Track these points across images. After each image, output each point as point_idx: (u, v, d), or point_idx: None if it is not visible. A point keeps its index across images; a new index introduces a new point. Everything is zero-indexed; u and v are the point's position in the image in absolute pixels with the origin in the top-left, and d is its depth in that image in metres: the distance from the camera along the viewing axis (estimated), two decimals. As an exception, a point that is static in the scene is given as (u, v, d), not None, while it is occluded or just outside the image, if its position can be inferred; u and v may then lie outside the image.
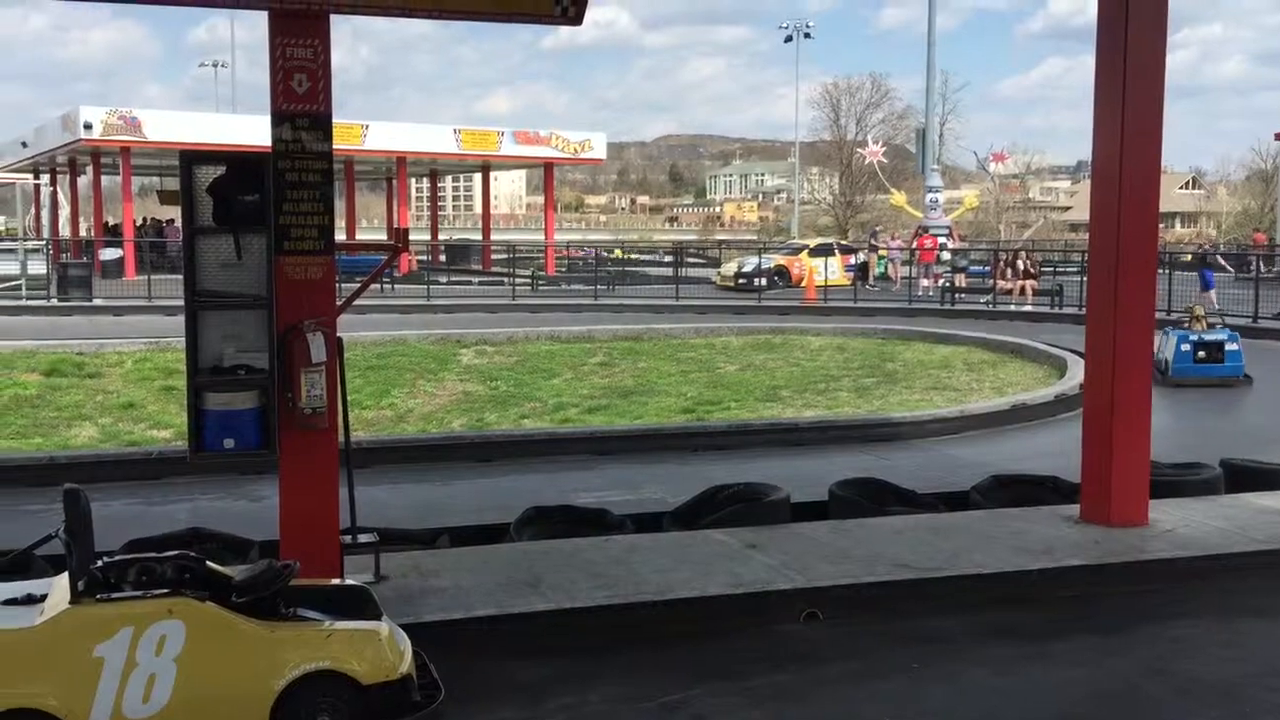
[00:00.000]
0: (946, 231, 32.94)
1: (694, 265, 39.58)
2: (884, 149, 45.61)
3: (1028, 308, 23.51)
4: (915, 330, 19.56)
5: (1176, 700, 4.71)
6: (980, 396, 13.46)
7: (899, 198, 38.22)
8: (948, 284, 26.95)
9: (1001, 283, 24.73)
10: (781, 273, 31.83)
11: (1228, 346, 13.89)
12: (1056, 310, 22.89)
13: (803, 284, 29.58)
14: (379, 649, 3.85)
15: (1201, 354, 13.83)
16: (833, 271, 29.65)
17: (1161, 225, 10.64)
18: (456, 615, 5.07)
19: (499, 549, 6.30)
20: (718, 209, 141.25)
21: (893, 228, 38.70)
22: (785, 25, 60.48)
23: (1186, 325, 14.47)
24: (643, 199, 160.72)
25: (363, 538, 5.55)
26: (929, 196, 33.86)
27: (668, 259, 40.02)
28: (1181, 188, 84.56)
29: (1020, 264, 24.95)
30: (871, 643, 5.29)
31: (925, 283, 28.54)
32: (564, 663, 4.96)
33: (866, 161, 45.77)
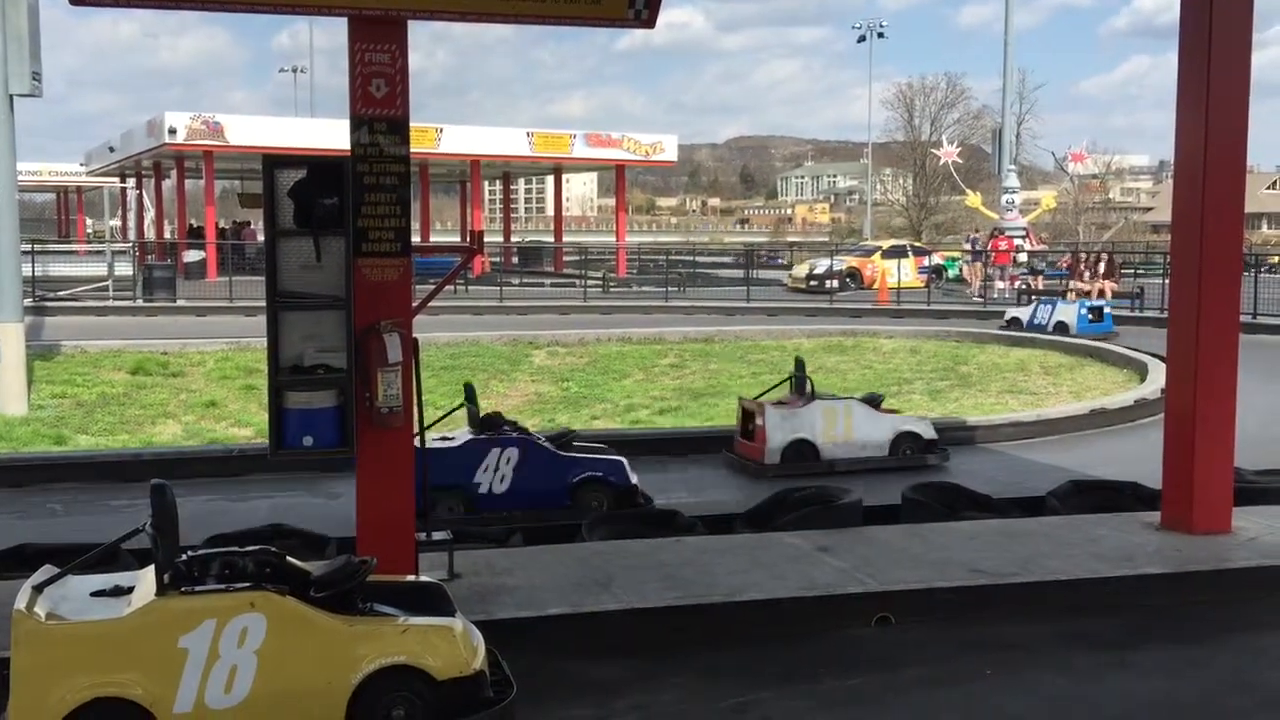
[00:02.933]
0: (1023, 233, 32.39)
1: (765, 267, 39.45)
2: (959, 149, 44.92)
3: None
4: (990, 333, 19.28)
5: (1261, 713, 4.60)
6: (1057, 400, 13.23)
7: (974, 199, 37.63)
8: (1024, 286, 26.52)
9: (1079, 284, 24.26)
10: (853, 275, 31.60)
11: (1105, 311, 20.07)
12: (1137, 313, 22.41)
13: (875, 286, 29.33)
14: (453, 645, 3.91)
15: (1091, 316, 19.57)
16: (906, 273, 29.35)
17: (1247, 226, 10.38)
18: (529, 613, 5.12)
19: (571, 548, 6.34)
20: (789, 211, 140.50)
21: (966, 229, 38.11)
22: (859, 25, 60.10)
23: (1075, 297, 21.68)
24: (713, 201, 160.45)
25: (437, 535, 5.63)
26: (1005, 197, 33.31)
27: (739, 261, 39.93)
28: (1268, 188, 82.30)
29: (1100, 265, 24.47)
30: (945, 648, 5.24)
31: (1000, 285, 28.12)
32: (635, 662, 4.98)
33: (941, 162, 45.16)
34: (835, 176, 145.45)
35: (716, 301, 27.01)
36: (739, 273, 34.94)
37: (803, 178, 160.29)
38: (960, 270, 31.42)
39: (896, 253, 31.76)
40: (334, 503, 8.11)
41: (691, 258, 40.57)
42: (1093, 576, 5.84)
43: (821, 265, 31.61)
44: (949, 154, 41.84)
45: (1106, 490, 7.66)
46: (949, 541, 6.39)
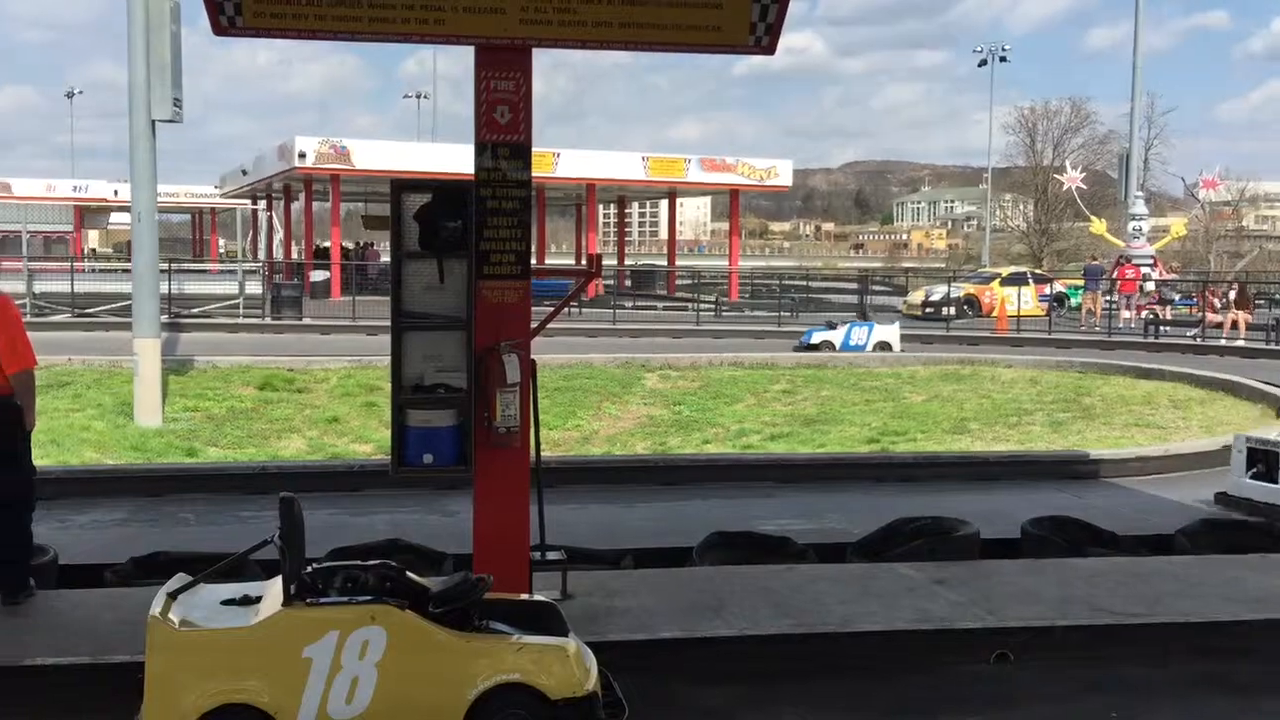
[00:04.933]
0: (1150, 261, 31.38)
1: (879, 293, 38.96)
2: (1084, 175, 43.79)
3: (1240, 342, 22.17)
4: (1115, 364, 18.69)
5: None
6: (1187, 435, 12.75)
7: (1099, 225, 36.61)
8: (1151, 316, 25.67)
9: (1211, 315, 23.39)
10: (971, 302, 31.01)
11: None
12: (1274, 345, 21.49)
13: (993, 314, 28.73)
14: (567, 664, 3.94)
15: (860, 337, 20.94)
16: (1026, 301, 28.70)
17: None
18: (641, 636, 5.13)
19: (682, 572, 6.34)
20: (904, 236, 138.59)
21: (1089, 256, 37.04)
22: (980, 49, 59.11)
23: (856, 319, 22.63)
24: (827, 226, 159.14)
25: (551, 555, 5.68)
26: (1132, 225, 32.35)
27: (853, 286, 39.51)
28: None
29: (1232, 295, 23.56)
30: (1066, 688, 5.08)
31: (1126, 314, 27.26)
32: (745, 690, 4.95)
33: (1065, 188, 44.06)
34: (953, 202, 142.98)
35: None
36: (853, 298, 34.58)
37: (919, 203, 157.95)
38: (1082, 299, 30.59)
39: (1016, 280, 31.08)
40: (450, 520, 8.25)
41: (805, 282, 40.31)
42: (1227, 619, 5.61)
43: (938, 292, 31.10)
44: (1073, 179, 40.79)
45: (1241, 529, 7.35)
46: (1071, 578, 6.20)
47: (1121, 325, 26.26)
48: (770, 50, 5.69)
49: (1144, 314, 26.57)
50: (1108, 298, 28.10)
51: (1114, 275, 29.02)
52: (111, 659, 4.61)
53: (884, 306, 32.56)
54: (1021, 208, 64.36)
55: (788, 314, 29.71)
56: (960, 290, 31.32)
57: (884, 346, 20.77)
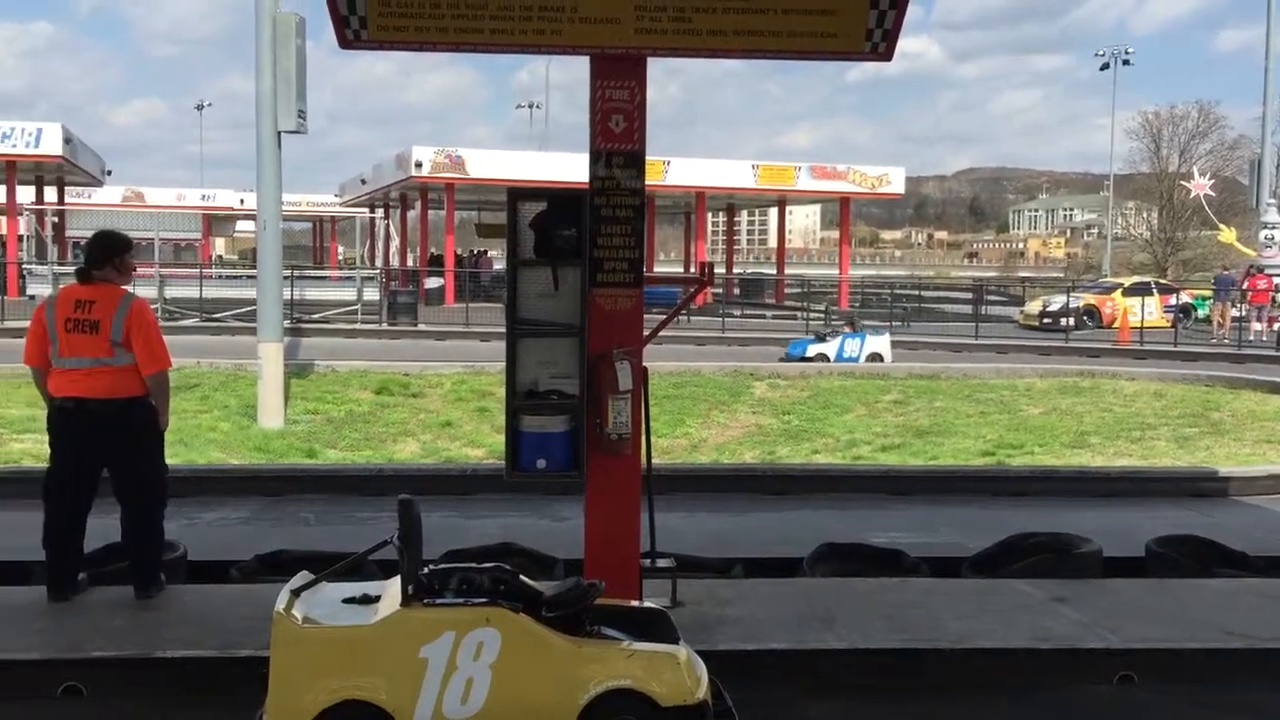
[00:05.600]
0: (1284, 270, 30.10)
1: (994, 303, 38.16)
2: (1212, 181, 42.25)
3: (1382, 356, 21.12)
4: (1245, 378, 17.96)
5: None
6: (1323, 453, 12.18)
7: (1229, 234, 35.26)
8: (1285, 328, 24.65)
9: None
10: (1091, 312, 30.16)
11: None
12: None
13: (1115, 325, 27.89)
14: (678, 672, 3.93)
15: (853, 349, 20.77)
16: (1150, 312, 27.80)
17: None
18: (751, 646, 5.10)
19: (793, 583, 6.29)
20: (1021, 245, 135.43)
21: (1217, 266, 35.68)
22: (1102, 53, 57.53)
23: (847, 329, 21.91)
24: (940, 234, 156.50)
25: (661, 562, 5.69)
26: (1264, 233, 31.08)
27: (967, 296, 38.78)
28: None
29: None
30: (1194, 713, 4.89)
31: (1258, 326, 26.19)
32: (856, 704, 4.88)
33: (1191, 195, 42.57)
34: (1072, 209, 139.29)
35: (942, 337, 26.30)
36: (967, 308, 33.93)
37: (1036, 210, 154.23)
38: (1210, 310, 29.49)
39: (1140, 290, 30.13)
40: (560, 525, 8.32)
41: (917, 292, 39.69)
42: (1367, 647, 5.33)
43: (1056, 302, 30.30)
44: (1200, 186, 39.40)
45: (1383, 553, 6.98)
46: (1200, 599, 5.97)
47: (1252, 338, 25.25)
48: (887, 57, 5.62)
49: (1276, 326, 25.49)
50: (1237, 309, 27.04)
51: (1245, 286, 27.91)
52: (238, 653, 4.76)
53: (999, 317, 31.86)
54: (1145, 215, 62.34)
55: (899, 323, 29.27)
56: (1080, 300, 30.46)
57: (876, 358, 20.60)
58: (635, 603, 4.74)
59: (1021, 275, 71.98)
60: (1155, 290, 31.01)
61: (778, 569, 6.71)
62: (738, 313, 31.90)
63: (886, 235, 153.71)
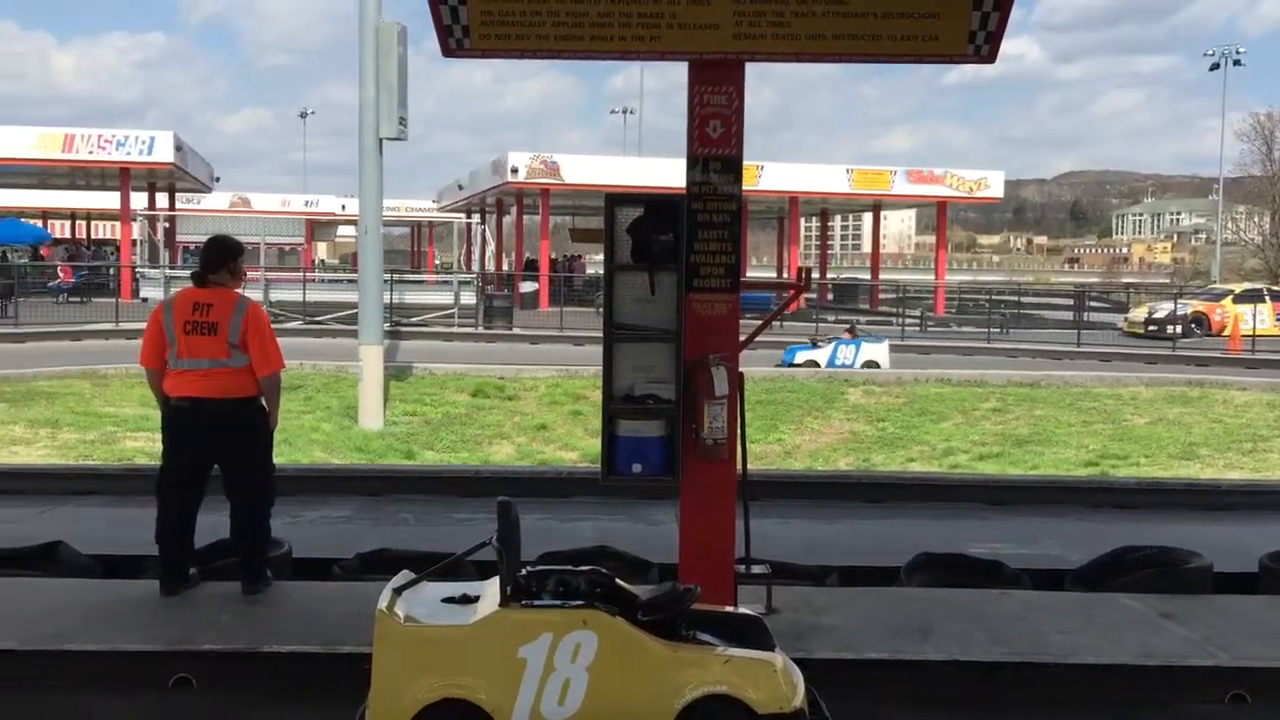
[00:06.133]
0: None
1: (1097, 310, 37.23)
2: (1328, 184, 40.59)
3: None
4: (1367, 388, 17.26)
5: None
6: None
7: (1346, 239, 33.84)
8: None
9: None
10: (1199, 320, 29.27)
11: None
12: None
13: (1225, 333, 27.02)
14: (774, 679, 3.91)
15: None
16: (1262, 320, 26.89)
17: None
18: (846, 655, 5.05)
19: (889, 592, 6.21)
20: (1124, 250, 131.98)
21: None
22: (1211, 52, 55.74)
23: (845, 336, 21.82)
24: (1040, 239, 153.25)
25: (756, 569, 5.67)
26: (1385, 237, 29.75)
27: (1067, 302, 37.91)
28: None
29: None
30: (1312, 737, 4.71)
31: (1379, 335, 25.13)
32: (954, 717, 4.81)
33: (1306, 198, 40.97)
34: (1179, 214, 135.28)
35: (1043, 344, 25.75)
36: (1068, 315, 33.16)
37: (1141, 214, 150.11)
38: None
39: (1251, 297, 29.14)
40: (654, 529, 8.34)
41: (1016, 298, 38.90)
42: None
43: (1163, 309, 29.46)
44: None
45: None
46: (1317, 618, 5.74)
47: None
48: (990, 59, 5.53)
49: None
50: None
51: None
52: (340, 649, 4.87)
53: (1102, 324, 31.07)
54: (1257, 220, 60.17)
55: (998, 330, 28.73)
56: (1187, 307, 29.58)
57: (871, 365, 20.24)
58: (730, 608, 4.72)
59: (1125, 281, 70.05)
60: (1268, 297, 29.93)
61: (873, 578, 6.63)
62: (831, 318, 31.61)
63: (984, 240, 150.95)
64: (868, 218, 54.96)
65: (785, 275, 40.57)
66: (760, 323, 6.19)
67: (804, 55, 5.62)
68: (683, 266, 5.37)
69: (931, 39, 5.44)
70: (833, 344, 21.26)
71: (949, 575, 6.58)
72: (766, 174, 34.92)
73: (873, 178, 37.17)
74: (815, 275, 43.98)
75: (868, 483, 10.54)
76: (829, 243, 57.11)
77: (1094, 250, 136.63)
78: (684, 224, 5.38)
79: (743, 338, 5.76)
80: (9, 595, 5.65)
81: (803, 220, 46.07)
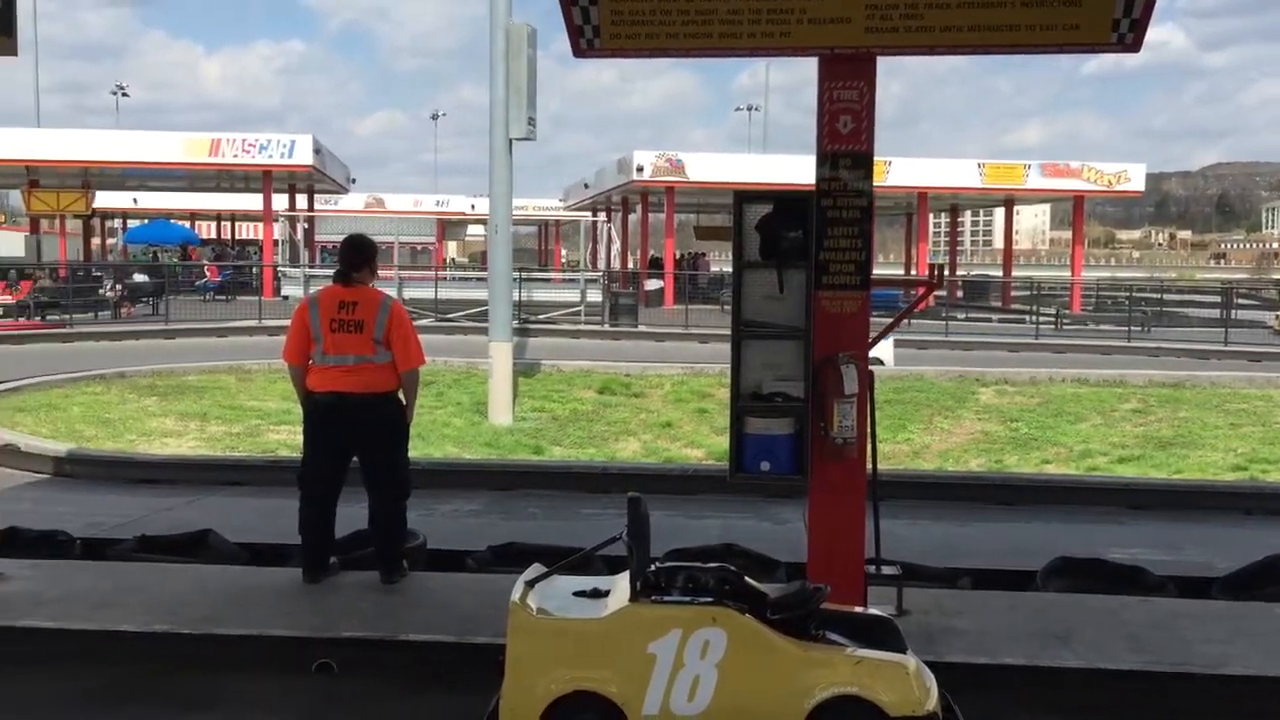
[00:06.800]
0: None
1: (1245, 307, 35.59)
2: None
3: None
4: None
5: None
6: None
7: None
8: None
9: None
10: (1358, 317, 27.71)
11: None
12: None
13: (1386, 331, 25.52)
14: (906, 681, 3.86)
15: None
16: None
17: None
18: (981, 660, 4.94)
19: (1024, 597, 6.05)
20: (1275, 245, 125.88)
21: None
22: (1374, 33, 52.71)
23: None
24: (1183, 234, 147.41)
25: (886, 569, 5.60)
26: None
27: (1213, 300, 36.35)
28: None
29: None
30: None
31: None
32: (1094, 726, 4.67)
33: None
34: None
35: (1187, 343, 24.74)
36: (1214, 312, 31.79)
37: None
38: None
39: None
40: (780, 528, 8.30)
41: (1157, 295, 37.46)
42: None
43: (1318, 306, 27.99)
44: None
45: None
46: None
47: None
48: (1134, 48, 5.34)
49: None
50: None
51: None
52: (474, 639, 4.98)
53: (1251, 322, 29.70)
54: None
55: (1138, 328, 27.71)
56: (1345, 304, 28.03)
57: (875, 362, 19.46)
58: (860, 609, 4.67)
59: (1276, 277, 66.78)
60: None
61: (1008, 582, 6.48)
62: (961, 316, 30.93)
63: (1123, 235, 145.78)
64: (999, 213, 53.61)
65: (913, 272, 39.86)
66: (890, 321, 6.11)
67: (938, 48, 5.51)
68: (812, 264, 5.33)
69: (1072, 28, 5.28)
70: None
71: (1088, 581, 6.39)
72: (895, 169, 34.32)
73: (1005, 172, 36.22)
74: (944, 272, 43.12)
75: (1001, 484, 10.31)
76: (958, 239, 55.88)
77: (1242, 245, 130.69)
78: (813, 221, 5.34)
79: (872, 336, 5.69)
80: (164, 580, 5.94)
81: (931, 216, 45.20)
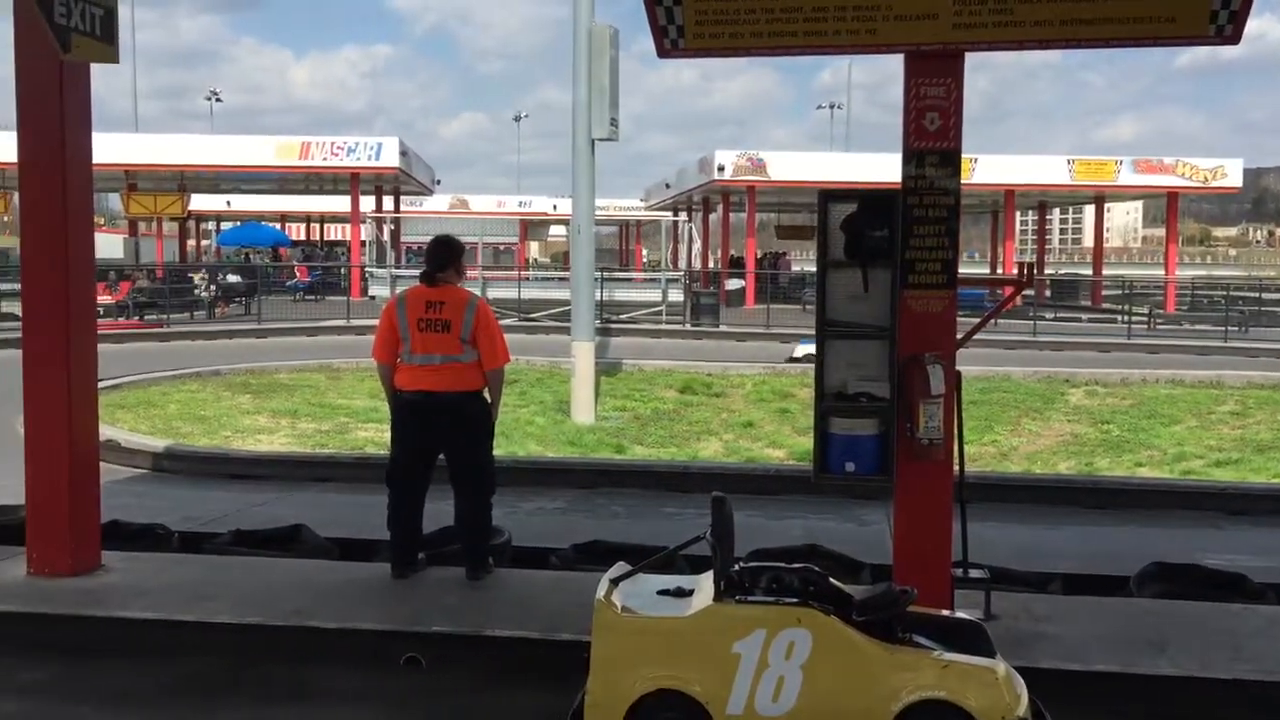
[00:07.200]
0: None
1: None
2: None
3: None
4: None
5: None
6: None
7: None
8: None
9: None
10: None
11: None
12: None
13: None
14: (996, 687, 3.79)
15: None
16: None
17: None
18: (1073, 666, 4.84)
19: (1117, 603, 5.91)
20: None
21: None
22: None
23: None
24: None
25: (974, 573, 5.51)
26: None
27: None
28: None
29: None
30: None
31: None
32: (1191, 737, 4.54)
33: None
34: None
35: (1288, 343, 23.94)
36: (1317, 312, 30.73)
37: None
38: None
39: None
40: (864, 529, 8.23)
41: (1255, 294, 36.31)
42: None
43: None
44: None
45: None
46: None
47: None
48: (1234, 39, 5.19)
49: None
50: None
51: None
52: (559, 636, 5.02)
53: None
54: None
55: (1235, 328, 26.90)
56: None
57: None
58: (947, 612, 4.61)
59: (1384, 275, 64.27)
60: None
61: (1100, 587, 6.34)
62: (1050, 315, 30.31)
63: (1219, 233, 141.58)
64: (1089, 210, 52.45)
65: (999, 271, 39.17)
66: (978, 321, 6.01)
67: (1028, 43, 5.42)
68: (898, 263, 5.28)
69: (1168, 20, 5.16)
70: None
71: (1184, 587, 6.22)
72: (980, 166, 33.73)
73: (1096, 168, 35.42)
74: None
75: (1092, 487, 10.09)
76: (1046, 237, 54.76)
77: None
78: (899, 219, 5.29)
79: (959, 335, 5.61)
80: (257, 573, 6.09)
81: (1018, 214, 44.38)
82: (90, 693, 4.78)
